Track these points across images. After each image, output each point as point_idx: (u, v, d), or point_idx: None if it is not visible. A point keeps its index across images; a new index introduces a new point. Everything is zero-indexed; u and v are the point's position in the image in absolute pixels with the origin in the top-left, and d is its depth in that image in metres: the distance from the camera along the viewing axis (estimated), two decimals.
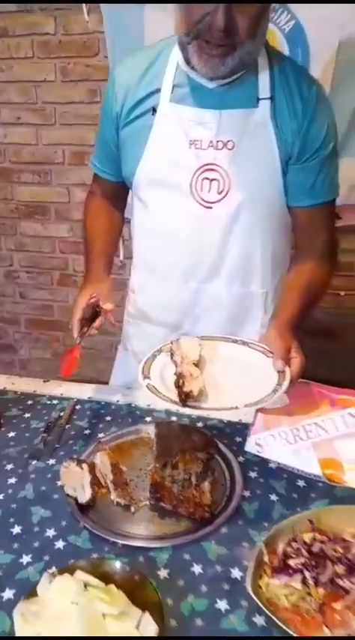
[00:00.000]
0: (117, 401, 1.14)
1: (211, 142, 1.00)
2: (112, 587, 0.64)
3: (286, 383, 0.86)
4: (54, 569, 0.70)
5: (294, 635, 0.55)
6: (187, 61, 0.94)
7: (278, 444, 0.89)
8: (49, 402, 1.15)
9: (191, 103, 1.00)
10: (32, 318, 2.58)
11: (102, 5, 1.88)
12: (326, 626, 0.57)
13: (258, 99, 0.98)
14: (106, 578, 0.66)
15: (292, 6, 1.74)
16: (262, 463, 0.91)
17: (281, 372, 0.88)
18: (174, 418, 1.07)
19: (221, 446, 0.94)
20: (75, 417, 1.09)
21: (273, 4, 0.94)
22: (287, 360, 0.90)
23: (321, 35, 1.76)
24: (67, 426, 1.06)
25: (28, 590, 0.64)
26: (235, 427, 1.03)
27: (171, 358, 0.95)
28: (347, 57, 1.77)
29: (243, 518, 0.80)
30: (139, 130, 1.05)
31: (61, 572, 0.66)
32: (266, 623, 0.62)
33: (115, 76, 1.07)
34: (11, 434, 1.04)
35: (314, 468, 0.86)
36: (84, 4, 1.88)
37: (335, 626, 0.57)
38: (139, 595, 0.63)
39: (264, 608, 0.57)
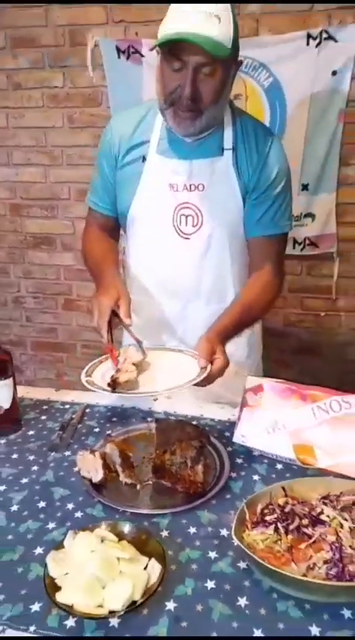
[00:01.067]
0: (122, 405, 1.29)
1: (185, 185, 1.19)
2: (124, 541, 0.79)
3: (202, 376, 1.03)
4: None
5: (269, 566, 0.69)
6: (166, 122, 1.14)
7: (260, 434, 1.04)
8: (61, 407, 1.28)
9: (170, 155, 1.19)
10: (38, 341, 2.70)
11: (105, 63, 2.11)
12: (293, 561, 0.72)
13: (223, 149, 1.18)
14: (119, 536, 0.79)
15: (270, 65, 1.98)
16: (247, 451, 1.05)
17: (202, 368, 1.05)
18: (172, 418, 1.22)
19: (212, 438, 1.09)
20: (85, 418, 1.22)
21: (234, 79, 1.12)
22: (211, 360, 1.06)
23: (296, 90, 1.99)
24: (79, 426, 1.19)
25: (56, 546, 0.78)
26: (224, 425, 1.17)
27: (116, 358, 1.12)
28: (318, 109, 1.99)
29: (230, 493, 0.94)
30: (132, 173, 1.23)
31: (82, 530, 0.80)
32: (247, 567, 0.76)
33: (113, 125, 1.27)
34: (31, 432, 1.17)
35: (289, 453, 1.01)
36: (89, 65, 2.10)
37: (299, 561, 0.72)
38: (146, 548, 0.77)
39: (244, 549, 0.72)
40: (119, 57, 2.08)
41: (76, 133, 2.28)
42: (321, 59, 1.95)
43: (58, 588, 0.70)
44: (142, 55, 2.06)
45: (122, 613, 0.67)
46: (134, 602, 0.68)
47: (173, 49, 1.01)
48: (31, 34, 2.18)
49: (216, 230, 1.22)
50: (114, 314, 1.11)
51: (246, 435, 1.05)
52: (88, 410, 1.26)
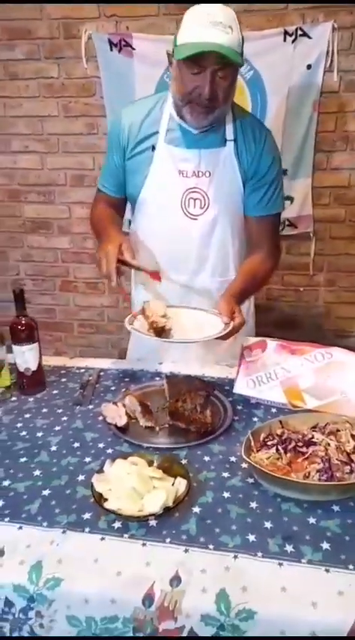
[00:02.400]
0: (132, 368, 1.43)
1: (194, 172, 1.31)
2: (153, 467, 0.93)
3: (228, 329, 1.17)
4: None
5: (275, 474, 0.85)
6: (180, 115, 1.26)
7: (256, 385, 1.20)
8: (78, 371, 1.39)
9: (180, 144, 1.30)
10: (37, 321, 2.79)
11: (98, 56, 2.18)
12: (292, 472, 0.88)
13: (226, 140, 1.32)
14: (148, 464, 0.94)
15: (251, 59, 2.09)
16: (245, 400, 1.20)
17: (226, 324, 1.19)
18: (180, 374, 1.36)
19: (216, 391, 1.24)
20: (101, 379, 1.35)
21: (238, 82, 1.25)
22: (232, 318, 1.21)
23: (274, 83, 2.11)
24: (96, 385, 1.32)
25: (97, 471, 0.92)
26: (224, 381, 1.31)
27: (143, 314, 1.25)
28: (295, 100, 2.12)
29: (235, 431, 1.09)
30: (142, 161, 1.33)
31: (118, 457, 0.94)
32: (255, 481, 0.91)
33: (122, 118, 1.35)
34: (55, 392, 1.28)
35: (282, 399, 1.17)
36: (83, 57, 2.17)
37: (297, 471, 0.88)
38: (171, 471, 0.92)
39: (253, 464, 0.87)
40: (111, 50, 2.16)
41: (71, 121, 2.35)
42: (297, 54, 2.07)
43: (104, 500, 0.85)
44: (133, 48, 2.14)
45: (159, 514, 0.82)
46: (167, 508, 0.83)
47: (193, 56, 1.12)
48: (27, 27, 2.23)
49: (221, 212, 1.36)
50: (119, 261, 1.20)
51: (245, 386, 1.20)
52: (101, 373, 1.39)
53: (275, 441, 0.95)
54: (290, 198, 2.28)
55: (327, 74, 2.11)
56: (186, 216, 1.36)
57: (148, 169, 1.33)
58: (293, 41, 2.07)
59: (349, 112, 2.17)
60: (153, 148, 1.32)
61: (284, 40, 2.07)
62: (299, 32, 2.06)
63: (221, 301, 1.26)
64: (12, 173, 2.50)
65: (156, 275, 1.34)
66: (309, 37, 2.07)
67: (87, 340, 2.75)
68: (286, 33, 2.06)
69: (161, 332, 1.17)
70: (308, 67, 2.10)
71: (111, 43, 2.15)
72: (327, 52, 2.07)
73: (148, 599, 0.70)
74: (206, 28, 1.10)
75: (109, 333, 2.72)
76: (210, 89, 1.15)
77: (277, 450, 0.92)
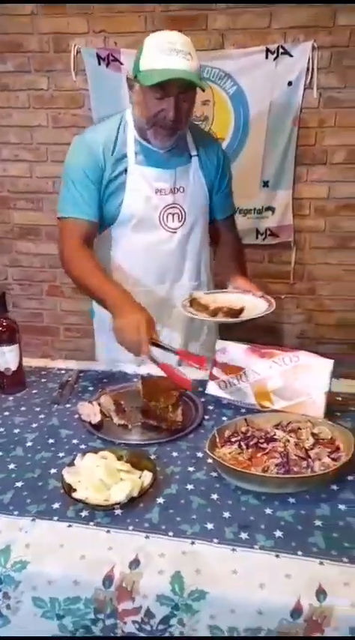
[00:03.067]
0: (111, 369, 1.47)
1: (171, 189, 1.40)
2: (122, 460, 0.98)
3: (272, 300, 1.34)
4: None
5: (235, 468, 0.90)
6: (143, 137, 1.33)
7: (227, 386, 1.25)
8: (58, 372, 1.44)
9: (153, 164, 1.37)
10: (24, 325, 2.75)
11: (86, 69, 2.25)
12: (252, 466, 0.93)
13: (191, 156, 1.41)
14: (118, 458, 0.99)
15: (234, 75, 2.17)
16: (217, 401, 1.25)
17: (262, 297, 1.37)
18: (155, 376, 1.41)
19: (188, 392, 1.29)
20: (80, 380, 1.39)
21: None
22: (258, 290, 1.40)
23: (257, 98, 2.19)
24: (75, 385, 1.37)
25: (68, 464, 0.97)
26: (199, 382, 1.33)
27: (197, 305, 1.36)
28: (276, 115, 2.21)
29: (204, 429, 1.13)
30: (118, 185, 1.36)
31: (88, 451, 0.99)
32: (218, 475, 0.96)
33: (91, 142, 1.33)
34: (34, 391, 1.33)
35: (251, 400, 1.22)
36: (72, 70, 2.25)
37: (257, 465, 0.93)
38: (140, 465, 0.96)
39: (215, 458, 0.92)
40: (99, 64, 2.23)
41: (59, 132, 2.41)
42: (278, 71, 2.16)
43: (73, 490, 0.89)
44: (121, 63, 2.22)
45: (124, 503, 0.86)
46: (133, 498, 0.88)
47: (161, 83, 1.19)
48: (18, 41, 2.30)
49: (196, 222, 1.46)
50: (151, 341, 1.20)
51: (217, 388, 1.25)
52: (81, 374, 1.44)
53: (239, 437, 1.00)
54: (272, 209, 2.36)
55: (307, 91, 2.20)
56: (165, 230, 1.43)
57: (123, 192, 1.37)
58: (275, 59, 2.16)
59: (328, 128, 2.25)
60: (125, 170, 1.36)
61: (267, 57, 2.16)
62: (281, 50, 2.15)
63: (240, 281, 1.47)
64: (1, 181, 2.55)
65: (201, 361, 1.25)
66: (290, 56, 2.15)
67: (73, 344, 2.79)
68: (268, 51, 2.15)
69: (238, 314, 1.31)
70: (289, 83, 2.18)
71: (99, 57, 2.22)
72: (307, 70, 2.16)
73: (108, 580, 0.74)
74: (169, 55, 1.18)
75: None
76: (175, 113, 1.23)
77: (239, 445, 0.97)
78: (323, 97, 2.22)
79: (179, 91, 1.21)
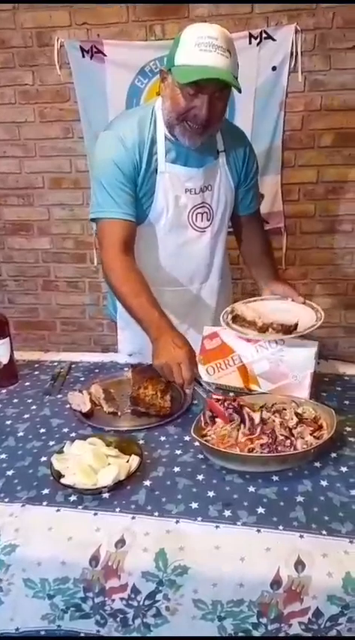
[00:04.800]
0: (102, 360, 1.50)
1: (201, 188, 1.35)
2: (111, 446, 1.00)
3: (318, 307, 1.29)
4: None
5: (219, 449, 0.92)
6: (172, 134, 1.26)
7: (215, 371, 1.27)
8: (51, 364, 1.46)
9: (182, 163, 1.31)
10: (20, 321, 2.80)
11: (71, 62, 2.25)
12: (237, 446, 0.95)
13: (218, 152, 1.37)
14: (106, 444, 1.01)
15: None
16: (206, 386, 1.27)
17: (304, 302, 1.31)
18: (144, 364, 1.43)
19: None
20: (72, 371, 1.42)
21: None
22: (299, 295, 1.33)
23: (241, 84, 2.15)
24: (67, 376, 1.39)
25: (58, 451, 0.99)
26: None
27: (241, 320, 1.27)
28: (262, 100, 2.20)
29: (192, 414, 1.15)
30: (150, 185, 1.31)
31: (77, 438, 1.01)
32: (204, 457, 0.99)
33: (123, 137, 1.25)
34: (27, 383, 1.35)
35: (239, 383, 1.24)
36: (56, 64, 2.24)
37: (242, 446, 0.95)
38: (127, 450, 0.98)
39: (198, 439, 0.94)
40: (83, 56, 2.23)
41: (47, 126, 2.41)
42: (262, 56, 2.15)
43: (62, 476, 0.91)
44: (105, 55, 2.21)
45: (111, 487, 0.89)
46: (120, 482, 0.90)
47: (196, 82, 1.12)
48: (1, 37, 2.29)
49: (223, 220, 1.44)
50: None
51: (204, 372, 1.27)
52: (73, 365, 1.46)
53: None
54: (262, 195, 2.34)
55: (292, 75, 2.19)
56: (194, 230, 1.40)
57: (155, 191, 1.32)
58: (258, 44, 2.15)
59: (314, 111, 2.25)
60: (156, 169, 1.30)
61: (250, 42, 2.15)
62: (264, 35, 2.14)
63: (278, 285, 1.40)
64: None
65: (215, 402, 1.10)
66: (274, 40, 2.14)
67: (70, 338, 2.82)
68: (251, 36, 2.14)
69: (292, 330, 1.20)
70: (274, 68, 2.18)
71: (83, 50, 2.22)
72: (291, 54, 2.15)
73: (95, 560, 0.77)
74: (207, 51, 1.10)
75: (91, 330, 2.78)
76: (208, 112, 1.16)
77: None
78: (309, 81, 2.21)
79: (214, 89, 1.14)
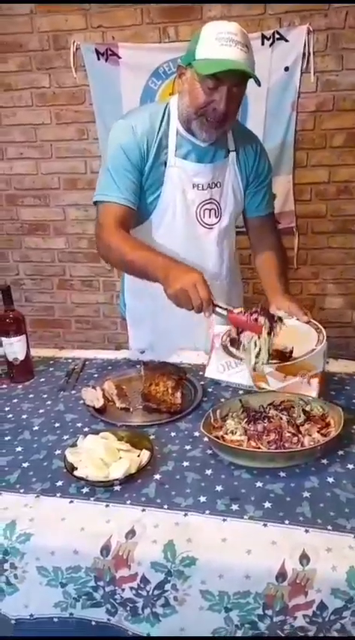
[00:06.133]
0: (116, 357, 1.52)
1: (208, 184, 1.36)
2: (122, 440, 1.02)
3: (321, 327, 1.20)
4: None
5: (228, 445, 0.93)
6: (188, 128, 1.27)
7: (225, 369, 1.28)
8: (65, 361, 1.49)
9: (191, 159, 1.33)
10: (36, 319, 2.86)
11: (86, 65, 2.27)
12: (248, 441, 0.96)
13: (228, 151, 1.38)
14: (118, 439, 1.03)
15: None
16: (216, 383, 1.28)
17: (308, 322, 1.24)
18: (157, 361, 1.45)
19: (188, 375, 1.32)
20: (86, 368, 1.44)
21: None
22: (305, 313, 1.27)
23: (254, 85, 2.17)
24: (81, 373, 1.41)
25: (71, 445, 1.01)
26: (199, 367, 1.39)
27: (232, 345, 1.19)
28: (274, 101, 2.20)
29: (202, 411, 1.16)
30: (158, 177, 1.32)
31: (90, 433, 1.03)
32: (213, 452, 1.00)
33: (134, 126, 1.27)
34: (42, 379, 1.38)
35: (249, 381, 1.25)
36: (72, 66, 2.27)
37: (250, 444, 0.96)
38: (139, 444, 1.00)
39: (207, 435, 0.96)
40: (98, 59, 2.25)
41: (62, 128, 2.45)
42: (275, 57, 2.15)
43: (75, 468, 0.94)
44: (119, 57, 2.24)
45: (122, 480, 0.91)
46: (131, 475, 0.92)
47: (218, 73, 1.13)
48: (18, 40, 2.33)
49: (231, 218, 1.44)
50: None
51: (216, 371, 1.28)
52: (87, 362, 1.48)
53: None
54: (273, 195, 2.35)
55: (304, 75, 2.19)
56: (202, 226, 1.40)
57: (163, 184, 1.33)
58: (270, 45, 2.15)
59: (326, 112, 2.24)
60: (165, 163, 1.32)
61: (263, 43, 2.15)
62: (277, 36, 2.14)
63: (283, 300, 1.32)
64: (8, 179, 2.60)
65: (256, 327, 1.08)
66: (286, 41, 2.14)
67: (84, 335, 2.85)
68: (264, 37, 2.14)
69: (288, 357, 1.15)
70: (286, 69, 2.18)
71: (98, 52, 2.24)
72: (304, 54, 2.15)
73: (106, 549, 0.79)
74: (228, 46, 1.12)
75: (105, 329, 2.82)
76: (226, 104, 1.18)
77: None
78: (321, 81, 2.21)
79: (233, 83, 1.16)
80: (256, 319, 1.02)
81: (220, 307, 1.11)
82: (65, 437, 1.09)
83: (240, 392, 1.25)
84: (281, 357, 1.16)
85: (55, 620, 0.84)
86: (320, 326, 1.23)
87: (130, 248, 1.24)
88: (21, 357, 1.36)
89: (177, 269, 1.14)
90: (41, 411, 1.21)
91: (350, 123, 2.23)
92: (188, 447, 1.03)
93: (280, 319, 1.09)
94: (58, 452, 1.03)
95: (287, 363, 1.15)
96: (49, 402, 1.25)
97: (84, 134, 2.45)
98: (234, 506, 0.85)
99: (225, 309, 1.11)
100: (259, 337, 1.08)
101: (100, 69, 2.26)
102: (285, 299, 1.35)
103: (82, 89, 2.36)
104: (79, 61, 2.29)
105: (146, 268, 1.19)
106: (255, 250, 1.54)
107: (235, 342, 1.17)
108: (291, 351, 1.17)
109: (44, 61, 2.36)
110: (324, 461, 0.96)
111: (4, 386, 1.36)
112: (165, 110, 1.32)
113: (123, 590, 0.79)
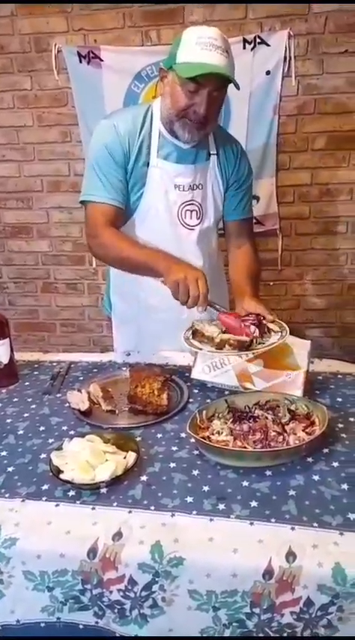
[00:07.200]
0: (101, 360, 1.51)
1: (190, 185, 1.38)
2: (108, 443, 1.02)
3: (285, 325, 1.22)
4: None
5: (214, 445, 0.94)
6: (170, 130, 1.29)
7: (211, 370, 1.29)
8: (50, 364, 1.48)
9: (174, 159, 1.34)
10: (21, 322, 2.83)
11: (68, 68, 2.27)
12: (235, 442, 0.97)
13: (209, 154, 1.40)
14: (104, 441, 1.03)
15: None
16: (202, 385, 1.28)
17: (273, 322, 1.24)
18: (143, 363, 1.45)
19: (174, 377, 1.32)
20: (71, 371, 1.43)
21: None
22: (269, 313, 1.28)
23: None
24: (66, 376, 1.40)
25: (57, 448, 1.01)
26: (185, 368, 1.38)
27: (200, 336, 1.21)
28: (256, 104, 2.23)
29: (188, 412, 1.17)
30: (139, 177, 1.34)
31: (75, 436, 1.03)
32: (199, 453, 1.00)
33: (118, 126, 1.29)
34: (26, 383, 1.36)
35: (234, 382, 1.26)
36: (54, 69, 2.26)
37: (235, 444, 0.97)
38: (125, 446, 1.00)
39: (193, 435, 0.96)
40: (81, 62, 2.25)
41: (45, 130, 2.44)
42: (256, 61, 2.17)
43: (61, 472, 0.93)
44: (101, 60, 2.24)
45: (108, 482, 0.90)
46: (117, 477, 0.92)
47: (198, 77, 1.16)
48: None
49: (212, 220, 1.45)
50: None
51: (201, 372, 1.29)
52: (72, 365, 1.47)
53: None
54: (256, 198, 2.37)
55: (286, 79, 2.22)
56: (183, 227, 1.41)
57: (144, 185, 1.34)
58: (252, 49, 2.17)
59: (307, 115, 2.28)
60: (147, 163, 1.33)
61: (244, 48, 2.17)
62: (258, 40, 2.16)
63: (249, 302, 1.31)
64: None
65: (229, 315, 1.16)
66: (267, 45, 2.17)
67: (69, 339, 2.83)
68: (245, 41, 2.17)
69: (247, 346, 1.16)
70: (268, 73, 2.20)
71: (80, 55, 2.24)
72: (285, 59, 2.18)
73: (92, 552, 0.78)
74: (208, 50, 1.15)
75: (90, 332, 2.80)
76: (207, 107, 1.21)
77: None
78: (302, 85, 2.24)
79: (213, 86, 1.19)
80: (248, 326, 1.03)
81: (215, 306, 1.15)
82: (50, 440, 1.09)
83: (226, 392, 1.25)
84: (241, 346, 1.17)
85: (42, 625, 0.83)
86: (284, 324, 1.25)
87: (126, 245, 1.28)
88: (5, 360, 1.35)
89: (182, 262, 1.21)
90: (26, 414, 1.20)
91: (331, 126, 2.27)
92: (174, 448, 1.03)
93: (269, 330, 1.13)
94: (43, 455, 1.03)
95: (247, 352, 1.16)
96: (33, 406, 1.24)
97: (67, 136, 2.44)
98: (221, 506, 0.85)
99: (219, 309, 1.14)
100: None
101: (82, 72, 2.26)
102: (252, 301, 1.33)
103: (64, 92, 2.35)
104: (61, 63, 2.29)
105: (146, 262, 1.24)
106: (229, 253, 1.55)
107: (197, 334, 1.21)
108: (252, 341, 1.17)
109: (26, 63, 2.34)
110: (310, 459, 0.97)
111: None
112: (147, 111, 1.34)
113: (110, 592, 0.79)
